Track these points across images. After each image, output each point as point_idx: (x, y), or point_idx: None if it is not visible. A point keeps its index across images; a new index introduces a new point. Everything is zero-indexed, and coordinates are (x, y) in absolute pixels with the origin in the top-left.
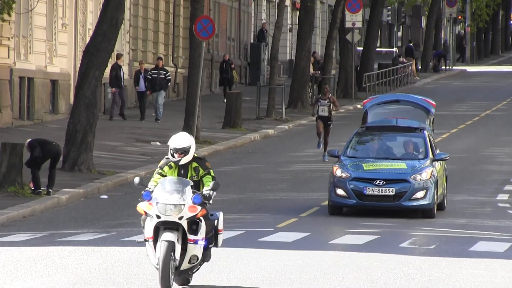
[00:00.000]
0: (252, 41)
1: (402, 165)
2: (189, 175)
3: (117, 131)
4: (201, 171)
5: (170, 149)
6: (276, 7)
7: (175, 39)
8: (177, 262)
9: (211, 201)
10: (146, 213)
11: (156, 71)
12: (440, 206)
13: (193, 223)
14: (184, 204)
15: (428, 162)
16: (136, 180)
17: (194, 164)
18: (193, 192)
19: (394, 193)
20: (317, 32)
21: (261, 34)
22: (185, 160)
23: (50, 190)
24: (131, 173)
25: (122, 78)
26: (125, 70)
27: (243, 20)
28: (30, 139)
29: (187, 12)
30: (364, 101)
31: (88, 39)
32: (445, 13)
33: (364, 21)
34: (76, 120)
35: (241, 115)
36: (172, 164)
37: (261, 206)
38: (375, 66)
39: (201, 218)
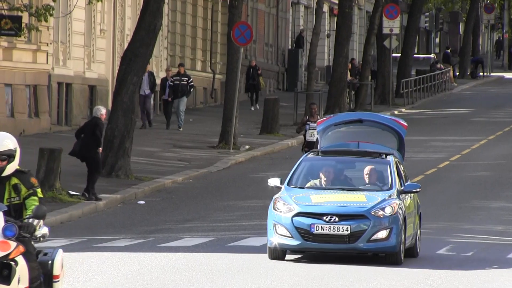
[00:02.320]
0: (289, 47)
1: (360, 197)
2: (5, 196)
3: (155, 136)
4: (24, 191)
5: None
6: (314, 13)
7: (213, 45)
8: None
9: (38, 234)
10: None
11: (178, 78)
12: (411, 252)
13: (4, 267)
14: None
15: (393, 194)
16: None
17: (14, 180)
18: (7, 221)
19: (349, 232)
20: (354, 38)
21: (299, 40)
22: (9, 170)
23: (86, 194)
24: (168, 179)
25: (146, 85)
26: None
27: (280, 26)
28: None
29: (225, 18)
30: (319, 120)
31: (126, 45)
32: (483, 19)
33: (402, 27)
34: (114, 126)
35: (279, 121)
36: None
37: None
38: (413, 72)
39: (17, 259)
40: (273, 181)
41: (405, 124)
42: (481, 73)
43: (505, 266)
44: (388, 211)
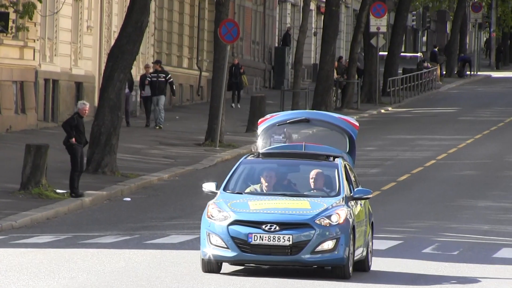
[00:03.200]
0: (276, 44)
1: (304, 203)
2: None
3: (141, 133)
4: None
5: None
6: (301, 11)
7: (200, 42)
8: None
9: None
10: None
11: (155, 75)
12: (361, 265)
13: None
14: None
15: (341, 200)
16: None
17: None
18: None
19: (291, 242)
20: (341, 36)
21: (286, 38)
22: None
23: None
24: (154, 176)
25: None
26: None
27: (267, 24)
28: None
29: (212, 16)
30: (260, 119)
31: (113, 42)
32: (470, 18)
33: (388, 26)
34: (101, 123)
35: None
36: None
37: None
38: (400, 71)
39: None
40: (208, 186)
41: (357, 124)
42: (468, 72)
43: (490, 265)
44: (334, 219)
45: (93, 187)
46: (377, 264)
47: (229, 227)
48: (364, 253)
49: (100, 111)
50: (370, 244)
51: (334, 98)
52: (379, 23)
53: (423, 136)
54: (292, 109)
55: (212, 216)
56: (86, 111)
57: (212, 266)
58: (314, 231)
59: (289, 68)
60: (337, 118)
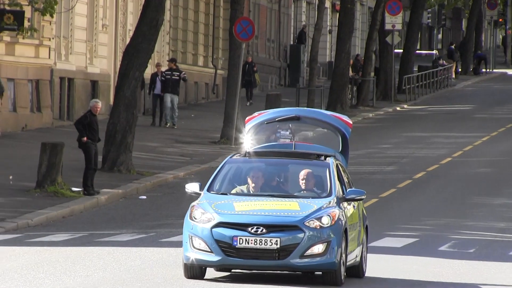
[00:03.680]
0: (291, 42)
1: (293, 205)
2: None
3: (157, 131)
4: None
5: None
6: (316, 9)
7: (215, 40)
8: None
9: None
10: None
11: (169, 73)
12: (355, 271)
13: None
14: None
15: (333, 201)
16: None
17: None
18: None
19: (278, 245)
20: (356, 34)
21: (301, 36)
22: None
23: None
24: (170, 174)
25: None
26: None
27: (282, 22)
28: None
29: (227, 14)
30: (248, 117)
31: (128, 40)
32: (485, 15)
33: (404, 23)
34: (116, 121)
35: None
36: None
37: None
38: (415, 69)
39: None
40: (191, 187)
41: (350, 122)
42: (484, 70)
43: (507, 263)
44: (325, 221)
45: (108, 185)
46: (394, 261)
47: (213, 229)
48: (358, 258)
49: (115, 109)
50: (365, 249)
51: (350, 95)
52: (394, 21)
53: (439, 133)
54: (308, 107)
55: (195, 218)
56: (98, 109)
57: (195, 272)
58: (303, 233)
59: (304, 66)
60: (329, 115)
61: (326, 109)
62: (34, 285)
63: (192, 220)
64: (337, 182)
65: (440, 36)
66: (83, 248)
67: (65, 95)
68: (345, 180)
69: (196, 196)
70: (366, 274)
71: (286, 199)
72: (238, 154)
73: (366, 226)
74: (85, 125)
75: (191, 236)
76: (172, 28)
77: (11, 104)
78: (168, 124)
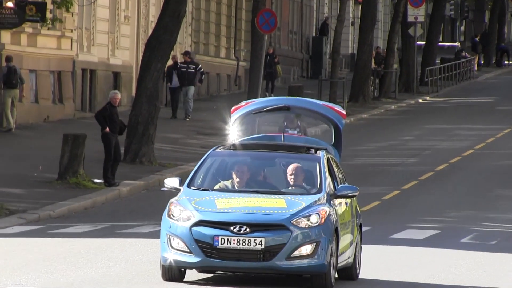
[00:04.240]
0: (314, 34)
1: (279, 202)
2: None
3: (179, 123)
4: None
5: None
6: (339, 1)
7: (237, 32)
8: None
9: None
10: None
11: (185, 66)
12: (347, 273)
13: None
14: None
15: (323, 198)
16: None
17: None
18: None
19: (263, 246)
20: (379, 26)
21: (323, 28)
22: None
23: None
24: (192, 166)
25: None
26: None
27: (305, 14)
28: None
29: (249, 5)
30: (234, 107)
31: (150, 32)
32: (508, 7)
33: (426, 15)
34: (138, 112)
35: None
36: None
37: None
38: (437, 61)
39: None
40: (171, 182)
41: (344, 112)
42: (506, 62)
43: None
44: (314, 220)
45: (130, 177)
46: (414, 253)
47: (193, 228)
48: (351, 259)
49: (137, 101)
50: (358, 249)
51: (372, 87)
52: (417, 13)
53: (461, 125)
54: (330, 99)
55: (173, 216)
56: (118, 100)
57: (173, 274)
58: (290, 233)
59: (327, 58)
60: (321, 105)
61: (348, 101)
62: (56, 276)
63: (170, 218)
64: (328, 178)
65: (462, 28)
66: (105, 240)
67: (87, 86)
68: (338, 175)
69: (176, 192)
70: (360, 276)
71: (273, 195)
72: (223, 147)
73: (360, 224)
74: (105, 116)
75: (169, 236)
76: (194, 20)
77: (33, 96)
78: (187, 118)
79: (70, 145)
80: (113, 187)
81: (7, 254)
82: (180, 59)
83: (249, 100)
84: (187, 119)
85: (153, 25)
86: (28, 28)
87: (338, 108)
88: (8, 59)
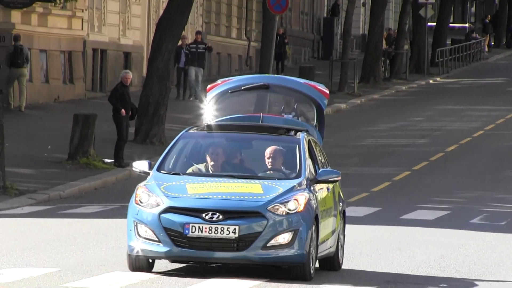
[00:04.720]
0: (325, 15)
1: (255, 187)
2: None
3: (189, 104)
4: None
5: None
6: None
7: (248, 12)
8: None
9: None
10: None
11: (194, 46)
12: (329, 262)
13: None
14: None
15: (302, 183)
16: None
17: None
18: None
19: (237, 235)
20: (390, 7)
21: (334, 8)
22: None
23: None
24: None
25: None
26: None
27: None
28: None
29: None
30: (210, 85)
31: (161, 12)
32: None
33: None
34: (149, 93)
35: None
36: None
37: None
38: (448, 42)
39: None
40: (139, 165)
41: (326, 91)
42: None
43: None
44: (292, 206)
45: (141, 157)
46: (424, 234)
47: (161, 215)
48: (333, 249)
49: (148, 81)
50: (341, 238)
51: (383, 68)
52: None
53: (471, 106)
54: (341, 80)
55: (141, 202)
56: (129, 80)
57: (141, 264)
58: (266, 221)
59: (338, 39)
60: (302, 84)
61: (359, 82)
62: (65, 256)
63: (138, 204)
64: (309, 161)
65: (473, 9)
66: (115, 220)
67: (98, 66)
68: (320, 159)
69: (146, 176)
70: (344, 266)
71: (248, 180)
72: (196, 128)
73: (344, 211)
74: (117, 97)
75: (136, 223)
76: (205, 0)
77: (43, 76)
78: (192, 98)
79: (81, 125)
80: (123, 168)
81: (17, 234)
82: (191, 39)
83: (226, 78)
84: (191, 99)
85: (164, 5)
86: (38, 7)
87: (321, 87)
88: (16, 38)
